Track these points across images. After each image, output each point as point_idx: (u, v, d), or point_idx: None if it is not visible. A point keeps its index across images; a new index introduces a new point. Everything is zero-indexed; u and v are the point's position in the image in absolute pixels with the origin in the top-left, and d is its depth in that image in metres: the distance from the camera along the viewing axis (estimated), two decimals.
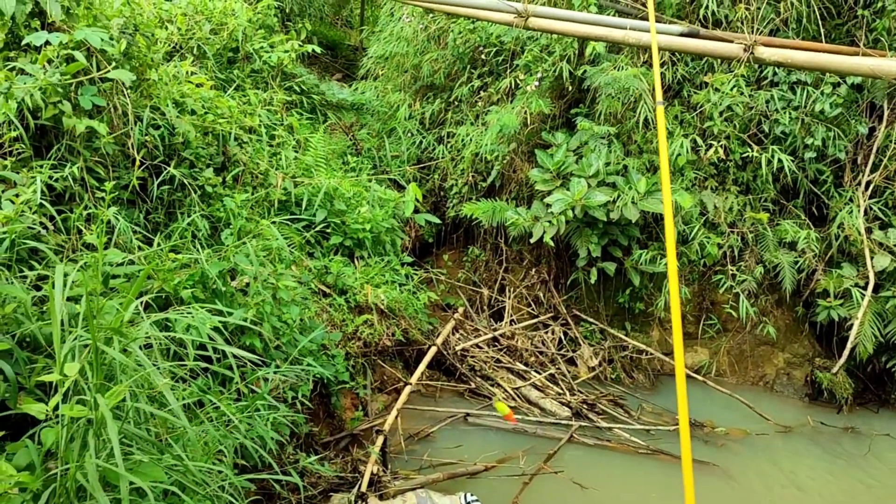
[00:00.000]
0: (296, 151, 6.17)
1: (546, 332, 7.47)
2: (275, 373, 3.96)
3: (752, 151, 7.00)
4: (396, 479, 5.03)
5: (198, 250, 4.03)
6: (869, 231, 6.82)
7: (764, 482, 5.76)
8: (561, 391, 6.76)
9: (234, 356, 3.95)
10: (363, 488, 4.63)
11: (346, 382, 5.38)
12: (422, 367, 6.37)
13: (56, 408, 2.25)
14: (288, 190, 5.83)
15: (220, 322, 3.59)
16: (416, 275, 6.89)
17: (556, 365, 7.13)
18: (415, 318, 6.53)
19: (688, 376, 7.17)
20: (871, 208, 6.89)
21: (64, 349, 2.35)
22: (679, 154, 6.94)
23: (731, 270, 7.13)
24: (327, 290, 5.87)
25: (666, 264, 6.97)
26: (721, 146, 6.99)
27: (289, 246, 5.50)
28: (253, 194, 5.01)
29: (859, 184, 6.93)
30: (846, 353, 6.69)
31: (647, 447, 6.01)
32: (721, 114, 7.03)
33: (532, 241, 7.21)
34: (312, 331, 4.82)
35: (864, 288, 6.67)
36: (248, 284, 4.26)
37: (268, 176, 5.24)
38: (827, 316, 6.80)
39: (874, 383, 7.08)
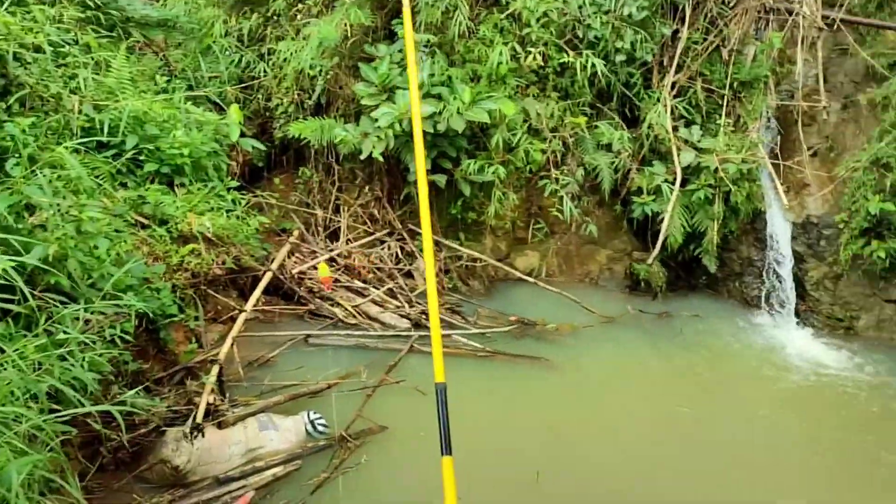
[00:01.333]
0: (95, 73, 5.63)
1: (383, 249, 7.49)
2: (85, 310, 3.69)
3: (569, 57, 7.20)
4: (236, 407, 4.95)
5: None
6: (675, 129, 7.29)
7: (590, 369, 6.21)
8: (400, 304, 6.85)
9: (40, 297, 3.66)
10: (198, 419, 4.51)
11: (174, 316, 5.15)
12: (257, 293, 6.22)
13: None
14: (90, 116, 5.35)
15: (14, 261, 3.29)
16: (244, 199, 6.63)
17: (394, 280, 7.20)
18: (246, 245, 6.31)
19: (520, 279, 7.51)
20: (676, 108, 7.34)
21: None
22: (500, 62, 7.01)
23: (556, 175, 7.41)
24: (145, 222, 5.53)
25: (495, 172, 7.14)
26: (540, 53, 7.14)
27: (97, 176, 5.10)
28: (44, 119, 4.54)
29: (665, 85, 7.34)
30: (659, 245, 7.22)
31: (484, 349, 6.27)
32: (538, 20, 7.13)
33: (362, 157, 7.11)
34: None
35: (673, 183, 7.17)
36: (47, 219, 3.91)
37: (61, 100, 4.76)
38: (641, 212, 7.28)
39: (684, 271, 7.73)
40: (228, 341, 5.46)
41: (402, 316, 6.62)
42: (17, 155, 3.88)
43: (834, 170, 7.03)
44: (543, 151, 7.33)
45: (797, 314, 7.13)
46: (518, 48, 7.18)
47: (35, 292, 3.56)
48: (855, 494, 4.82)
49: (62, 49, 5.36)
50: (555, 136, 7.41)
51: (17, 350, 2.97)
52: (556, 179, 7.39)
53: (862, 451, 5.24)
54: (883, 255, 6.40)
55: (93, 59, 5.77)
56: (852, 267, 6.75)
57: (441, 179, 7.24)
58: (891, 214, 6.35)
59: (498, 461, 4.89)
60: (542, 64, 7.23)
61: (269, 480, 4.48)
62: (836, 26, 7.11)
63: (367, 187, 7.78)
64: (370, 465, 4.77)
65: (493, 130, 7.16)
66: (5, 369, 3.00)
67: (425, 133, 6.93)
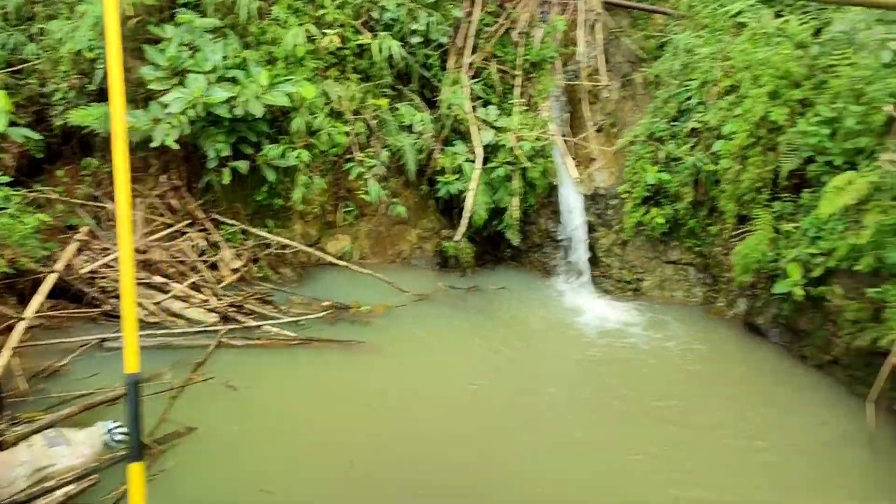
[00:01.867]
0: None
1: (184, 240, 7.10)
2: None
3: (366, 39, 7.17)
4: (17, 425, 4.50)
5: None
6: (474, 109, 7.50)
7: (405, 347, 6.30)
8: (206, 298, 6.55)
9: None
10: None
11: None
12: (39, 297, 5.69)
13: None
14: None
15: None
16: (18, 195, 6.01)
17: (198, 272, 6.86)
18: (23, 246, 5.75)
19: (332, 264, 7.45)
20: (473, 88, 7.55)
21: None
22: (296, 44, 6.85)
23: (361, 157, 7.38)
24: None
25: (298, 157, 6.98)
26: (337, 35, 7.05)
27: None
28: None
29: (461, 66, 7.52)
30: (464, 222, 7.43)
31: (298, 337, 6.15)
32: (333, 1, 7.03)
33: (154, 145, 6.67)
34: None
35: (475, 162, 7.39)
36: None
37: None
38: (446, 191, 7.45)
39: (490, 246, 8.02)
40: (6, 353, 4.95)
41: (208, 310, 6.34)
42: None
43: (616, 144, 7.57)
44: (347, 134, 7.27)
45: (592, 280, 7.63)
46: (314, 30, 7.04)
47: None
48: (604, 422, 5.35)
49: None
50: (357, 119, 7.37)
51: None
52: (362, 162, 7.37)
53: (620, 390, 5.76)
54: (661, 220, 6.99)
55: None
56: (636, 233, 7.33)
57: (243, 165, 6.98)
58: (666, 184, 6.94)
59: (317, 450, 4.84)
60: (341, 45, 7.16)
61: (62, 500, 4.13)
62: (611, 10, 7.62)
63: (163, 176, 7.34)
64: (178, 470, 4.55)
65: (294, 114, 6.99)
66: None
67: (222, 118, 6.64)
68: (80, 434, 4.55)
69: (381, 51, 7.12)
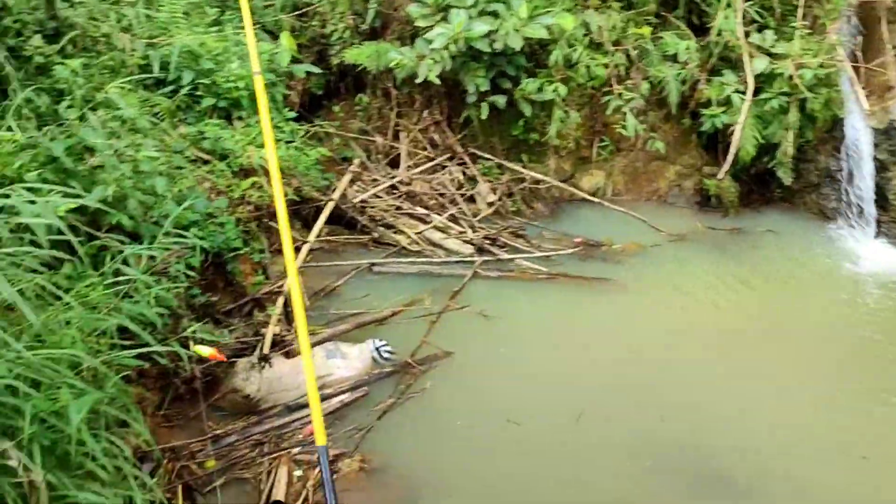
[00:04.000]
0: (146, 8, 5.62)
1: (444, 174, 7.40)
2: (148, 249, 3.78)
3: None
4: None
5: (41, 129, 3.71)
6: (747, 35, 6.83)
7: (659, 289, 6.08)
8: (463, 230, 6.80)
9: (94, 237, 3.75)
10: (265, 350, 4.63)
11: (239, 249, 5.24)
12: (319, 223, 6.27)
13: None
14: (146, 54, 5.36)
15: (74, 204, 3.36)
16: (302, 129, 6.61)
17: (456, 205, 7.13)
18: (307, 176, 6.33)
19: (585, 200, 7.34)
20: (747, 12, 6.86)
21: None
22: None
23: (619, 90, 7.10)
24: (206, 157, 5.58)
25: (555, 91, 6.90)
26: None
27: (157, 114, 5.15)
28: (97, 59, 4.57)
29: None
30: (729, 158, 6.89)
31: (549, 272, 6.19)
32: None
33: (419, 81, 6.96)
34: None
35: (744, 93, 6.77)
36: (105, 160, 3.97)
37: (111, 39, 4.77)
38: (712, 125, 6.93)
39: (757, 184, 7.38)
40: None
41: (465, 241, 6.58)
42: (70, 97, 3.93)
43: None
44: (606, 66, 7.01)
45: (878, 226, 6.75)
46: None
47: (98, 233, 3.65)
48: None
49: None
50: (617, 50, 7.07)
51: (82, 288, 3.05)
52: (620, 95, 7.08)
53: None
54: None
55: None
56: None
57: (500, 100, 7.04)
58: None
59: (559, 388, 4.90)
60: None
61: (338, 407, 4.61)
62: None
63: (426, 111, 7.64)
64: (435, 391, 4.85)
65: (553, 46, 6.87)
66: (70, 310, 3.08)
67: (481, 52, 6.72)
68: (353, 349, 5.02)
69: None
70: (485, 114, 7.09)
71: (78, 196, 3.48)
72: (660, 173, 7.63)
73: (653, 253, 6.58)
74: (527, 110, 7.09)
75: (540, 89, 6.92)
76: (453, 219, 6.92)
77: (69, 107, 3.82)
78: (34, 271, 3.17)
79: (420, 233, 6.68)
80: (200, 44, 5.84)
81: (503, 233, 6.77)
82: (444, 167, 7.47)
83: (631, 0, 7.11)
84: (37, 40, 4.03)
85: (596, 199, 7.30)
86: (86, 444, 2.12)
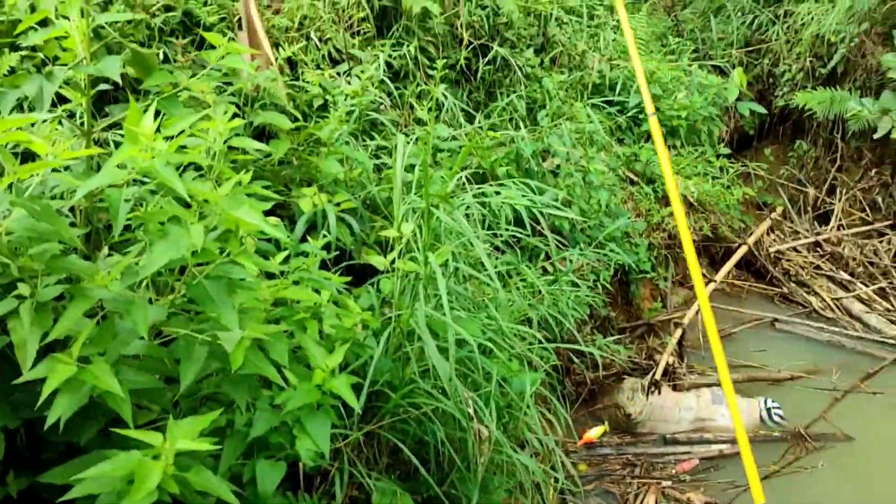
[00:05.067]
0: (615, 32, 5.98)
1: (881, 241, 6.63)
2: (580, 254, 4.06)
3: None
4: (691, 374, 5.00)
5: (515, 130, 4.19)
6: None
7: None
8: (891, 308, 6.04)
9: (541, 234, 4.13)
10: (657, 376, 4.66)
11: (646, 272, 5.34)
12: (729, 265, 6.10)
13: (392, 262, 2.57)
14: (603, 73, 5.73)
15: (531, 200, 3.74)
16: (732, 168, 6.47)
17: (888, 279, 6.34)
18: (726, 214, 6.21)
19: None
20: None
21: (400, 211, 2.64)
22: None
23: None
24: (635, 178, 5.78)
25: None
26: None
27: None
28: (569, 76, 5.00)
29: None
30: None
31: None
32: None
33: (876, 137, 6.33)
34: (618, 217, 4.81)
35: None
36: (558, 166, 4.35)
37: (584, 57, 5.19)
38: None
39: None
40: (695, 307, 5.47)
41: (891, 321, 5.84)
42: (544, 107, 4.37)
43: None
44: None
45: None
46: None
47: (540, 230, 4.02)
48: None
49: (592, 10, 5.79)
50: None
51: (526, 276, 3.39)
52: None
53: None
54: None
55: (615, 20, 6.12)
56: None
57: None
58: None
59: None
60: None
61: (715, 455, 4.46)
62: None
63: (873, 170, 6.92)
64: (825, 472, 4.42)
65: None
66: (513, 290, 3.45)
67: None
68: (741, 402, 4.79)
69: None
70: None
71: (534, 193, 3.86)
72: None
73: None
74: None
75: None
76: (882, 293, 6.17)
77: (546, 115, 4.27)
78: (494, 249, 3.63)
79: (838, 299, 6.10)
80: (654, 71, 6.04)
81: None
82: (882, 234, 6.69)
83: None
84: (529, 53, 4.57)
85: None
86: (529, 415, 2.39)
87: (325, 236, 2.82)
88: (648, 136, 6.15)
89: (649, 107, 4.34)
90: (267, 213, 2.80)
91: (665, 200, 5.85)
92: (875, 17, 6.61)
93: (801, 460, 4.46)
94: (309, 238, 2.70)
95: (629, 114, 5.92)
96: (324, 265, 2.68)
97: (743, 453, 3.04)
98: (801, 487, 4.30)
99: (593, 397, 4.82)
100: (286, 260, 2.31)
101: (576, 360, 4.37)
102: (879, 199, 6.82)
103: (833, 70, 7.01)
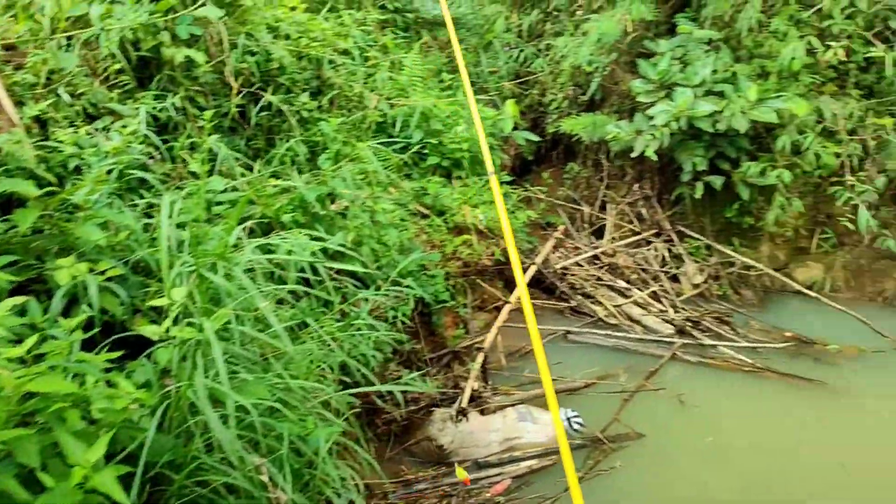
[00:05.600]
0: (391, 72, 6.12)
1: (649, 250, 7.30)
2: (374, 294, 4.06)
3: (878, 51, 6.43)
4: (497, 395, 5.15)
5: (297, 175, 4.13)
6: None
7: (876, 401, 5.54)
8: (664, 309, 6.64)
9: (334, 278, 4.09)
10: (464, 403, 4.76)
11: (446, 302, 5.47)
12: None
13: (167, 330, 2.40)
14: (384, 112, 5.83)
15: (320, 246, 3.70)
16: (515, 193, 6.83)
17: (659, 282, 6.98)
18: (514, 238, 6.50)
19: (799, 292, 6.92)
20: None
21: (171, 275, 2.49)
22: (794, 58, 6.45)
23: (851, 181, 6.67)
24: (425, 211, 5.92)
25: (779, 176, 6.62)
26: (842, 47, 6.45)
27: (386, 168, 5.55)
28: (348, 117, 5.04)
29: None
30: None
31: (754, 365, 5.87)
32: (843, 10, 6.45)
33: (634, 155, 6.97)
34: (411, 252, 4.89)
35: None
36: (347, 208, 4.34)
37: (363, 98, 5.25)
38: None
39: None
40: (494, 330, 5.68)
41: (665, 321, 6.41)
42: (327, 149, 4.36)
43: None
44: (837, 155, 6.63)
45: None
46: (816, 42, 6.55)
47: (333, 275, 3.98)
48: None
49: (365, 51, 5.89)
50: (852, 139, 6.67)
51: (320, 325, 3.33)
52: (852, 186, 6.65)
53: None
54: None
55: (389, 59, 6.27)
56: None
57: (717, 181, 6.86)
58: None
59: (763, 490, 4.59)
60: (844, 59, 6.53)
61: (525, 472, 4.61)
62: None
63: (636, 185, 7.62)
64: (624, 472, 4.71)
65: (780, 131, 6.62)
66: (306, 342, 3.37)
67: (703, 132, 6.62)
68: (545, 415, 5.02)
69: (895, 64, 6.32)
70: (699, 193, 6.94)
71: (322, 239, 3.82)
72: (888, 273, 7.03)
73: (874, 359, 6.03)
74: (744, 193, 6.85)
75: (762, 173, 6.67)
76: (655, 296, 6.78)
77: (327, 159, 4.25)
78: (279, 303, 3.53)
79: (619, 306, 6.61)
80: (433, 106, 6.25)
81: (707, 316, 6.53)
82: (649, 243, 7.37)
83: (873, 88, 6.71)
84: (304, 97, 4.54)
85: (811, 293, 6.84)
86: (328, 473, 2.31)
87: (91, 307, 2.59)
88: (434, 170, 6.36)
89: (489, 166, 4.54)
90: (17, 291, 2.54)
91: (458, 230, 6.05)
92: (621, 48, 7.32)
93: (601, 463, 4.73)
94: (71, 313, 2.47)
95: (413, 150, 6.06)
96: (91, 341, 2.45)
97: (564, 458, 3.15)
98: (603, 489, 4.55)
99: (407, 433, 4.82)
100: (41, 342, 2.09)
101: (382, 399, 4.33)
102: (644, 211, 7.50)
103: (592, 97, 7.66)
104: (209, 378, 2.16)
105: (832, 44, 6.49)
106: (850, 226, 6.73)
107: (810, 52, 6.57)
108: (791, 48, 6.46)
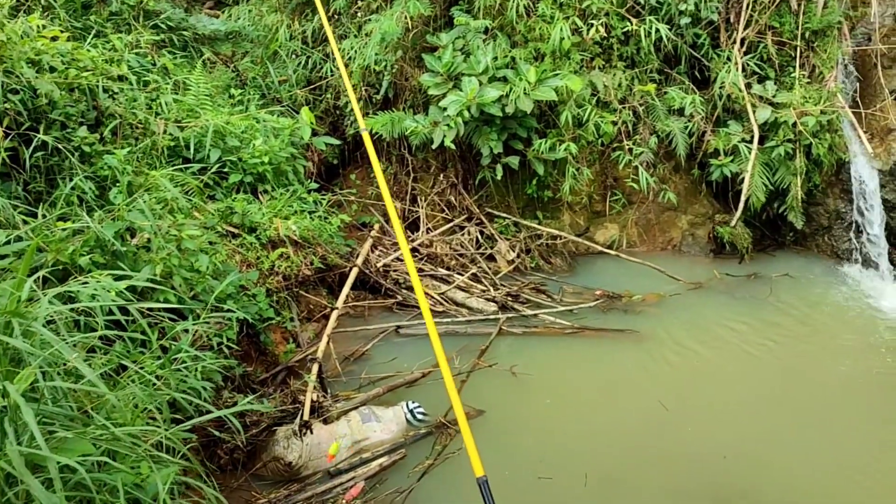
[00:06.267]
0: (175, 94, 5.89)
1: (463, 235, 7.58)
2: (194, 324, 3.92)
3: (632, 25, 7.09)
4: (337, 402, 5.15)
5: (87, 215, 3.89)
6: (748, 86, 7.09)
7: (681, 337, 6.15)
8: (485, 288, 6.94)
9: (148, 315, 3.91)
10: (305, 417, 4.72)
11: (271, 319, 5.38)
12: (345, 289, 6.41)
13: None
14: (174, 136, 5.60)
15: (126, 284, 3.51)
16: (325, 199, 6.83)
17: (476, 264, 7.29)
18: (331, 243, 6.51)
19: (602, 253, 7.49)
20: (747, 65, 7.14)
21: None
22: (562, 38, 6.96)
23: (628, 145, 7.33)
24: (235, 231, 5.78)
25: (567, 149, 7.12)
26: (602, 24, 7.05)
27: (187, 192, 5.34)
28: (136, 146, 4.80)
29: (734, 42, 7.14)
30: (741, 205, 7.08)
31: (573, 326, 6.30)
32: None
33: (434, 147, 7.21)
34: (227, 274, 4.76)
35: (750, 141, 7.00)
36: (149, 240, 4.15)
37: (148, 124, 5.02)
38: (720, 174, 7.14)
39: (770, 229, 7.56)
40: (324, 339, 5.67)
41: (488, 300, 6.71)
42: (117, 183, 4.13)
43: None
44: (614, 123, 7.26)
45: (891, 263, 6.87)
46: (579, 22, 7.11)
47: (147, 311, 3.80)
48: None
49: (144, 75, 5.62)
50: (624, 107, 7.33)
51: (139, 366, 3.18)
52: (630, 150, 7.32)
53: None
54: None
55: (172, 80, 6.02)
56: None
57: (514, 161, 7.27)
58: None
59: (589, 441, 4.95)
60: (605, 35, 7.15)
61: (377, 470, 4.66)
62: None
63: (441, 175, 7.87)
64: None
65: (562, 107, 7.13)
66: (127, 387, 3.21)
67: (494, 116, 6.97)
68: (387, 412, 5.10)
69: (647, 35, 7.00)
70: (499, 175, 7.31)
71: (128, 276, 3.64)
72: (672, 223, 7.80)
73: (673, 302, 6.69)
74: (540, 169, 7.30)
75: (552, 148, 7.15)
76: (475, 278, 7.07)
77: (119, 192, 4.02)
78: (91, 350, 3.33)
79: (443, 293, 6.82)
80: (226, 123, 6.09)
81: (525, 289, 6.91)
82: (462, 228, 7.66)
83: (634, 59, 7.38)
84: (82, 131, 4.25)
85: (612, 252, 7.45)
86: None
87: None
88: (238, 187, 6.21)
89: (361, 123, 4.50)
90: None
91: (272, 245, 5.95)
92: (405, 44, 7.51)
93: (448, 447, 4.88)
94: None
95: (213, 170, 5.88)
96: None
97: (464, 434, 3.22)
98: (452, 472, 4.70)
99: (253, 458, 4.70)
100: None
101: (220, 430, 4.20)
102: (452, 199, 7.78)
103: (386, 95, 7.81)
104: (23, 444, 2.01)
105: (594, 22, 7.07)
106: (635, 185, 7.39)
107: (576, 31, 7.12)
108: (559, 29, 6.96)
